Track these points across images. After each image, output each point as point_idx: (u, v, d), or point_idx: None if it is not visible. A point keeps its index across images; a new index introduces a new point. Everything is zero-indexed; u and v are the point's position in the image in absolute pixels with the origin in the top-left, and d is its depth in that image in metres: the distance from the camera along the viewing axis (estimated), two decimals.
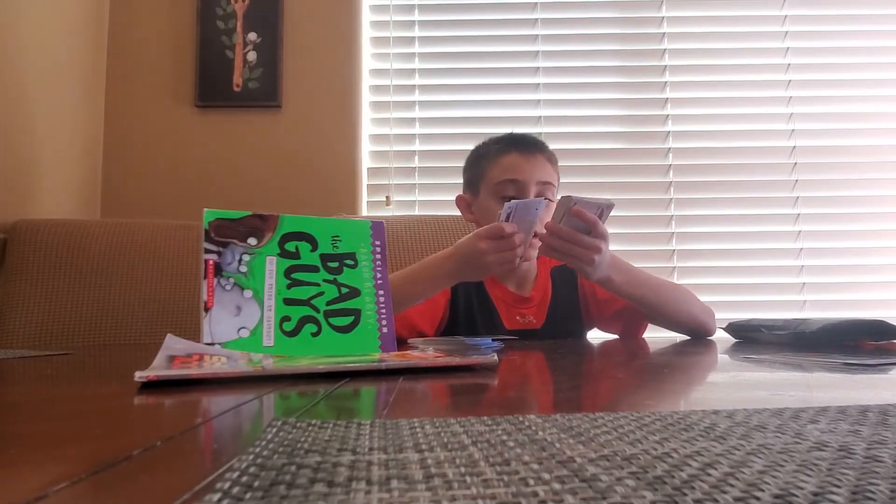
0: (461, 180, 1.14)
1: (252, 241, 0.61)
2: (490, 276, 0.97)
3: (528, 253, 1.01)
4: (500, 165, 1.03)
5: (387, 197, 1.78)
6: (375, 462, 0.19)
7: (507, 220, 0.83)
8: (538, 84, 1.85)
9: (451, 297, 1.05)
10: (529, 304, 1.08)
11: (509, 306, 1.07)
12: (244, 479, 0.17)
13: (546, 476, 0.17)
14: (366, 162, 1.82)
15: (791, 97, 1.83)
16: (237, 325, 0.58)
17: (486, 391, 0.41)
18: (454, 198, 1.14)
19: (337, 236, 0.66)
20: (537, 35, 1.86)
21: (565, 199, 0.82)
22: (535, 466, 0.18)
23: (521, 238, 0.83)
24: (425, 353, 0.59)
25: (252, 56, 1.77)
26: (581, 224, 0.83)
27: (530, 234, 0.86)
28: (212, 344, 0.56)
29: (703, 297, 1.04)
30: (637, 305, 0.99)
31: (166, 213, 1.68)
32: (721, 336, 0.99)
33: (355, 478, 0.17)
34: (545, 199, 0.88)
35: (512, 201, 0.84)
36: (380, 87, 1.84)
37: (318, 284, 0.63)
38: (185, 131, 1.77)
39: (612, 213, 0.86)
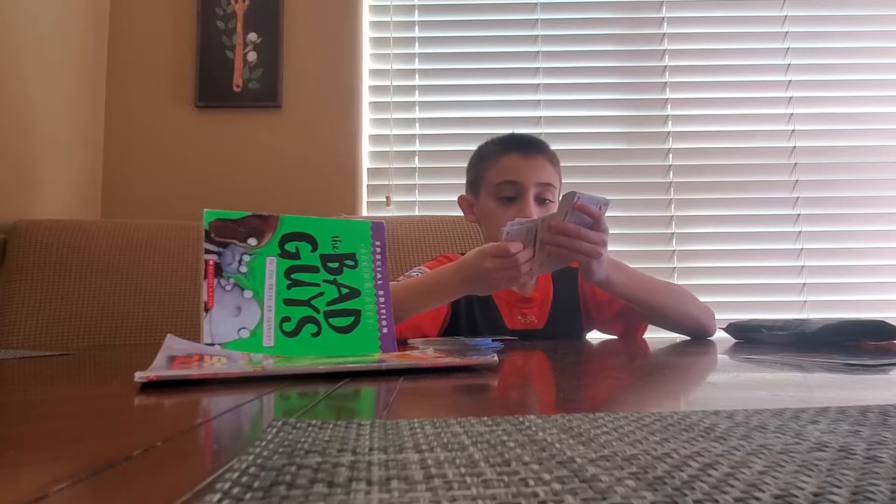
0: (461, 181, 1.14)
1: (252, 241, 0.61)
2: (495, 291, 0.96)
3: (528, 283, 1.01)
4: (500, 166, 1.02)
5: (387, 197, 1.78)
6: (375, 462, 0.19)
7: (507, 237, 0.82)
8: (538, 84, 1.85)
9: None
10: (531, 304, 1.08)
11: (511, 306, 1.07)
12: (244, 479, 0.17)
13: (546, 476, 0.17)
14: (366, 162, 1.82)
15: (791, 97, 1.83)
16: (237, 326, 0.58)
17: (486, 391, 0.41)
18: (454, 198, 1.14)
19: (337, 237, 0.66)
20: (537, 35, 1.86)
21: (569, 195, 0.81)
22: (536, 467, 0.18)
23: (526, 255, 0.82)
24: (425, 353, 0.59)
25: (252, 56, 1.77)
26: (585, 220, 0.82)
27: (539, 251, 0.85)
28: (212, 344, 0.56)
29: (704, 298, 1.04)
30: (636, 307, 0.98)
31: (166, 213, 1.68)
32: (721, 336, 0.99)
33: (355, 478, 0.17)
34: (546, 217, 0.86)
35: (509, 223, 0.83)
36: (380, 88, 1.84)
37: (318, 285, 0.63)
38: (185, 131, 1.77)
39: (611, 213, 0.85)
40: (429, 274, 0.93)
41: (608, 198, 0.84)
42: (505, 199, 1.01)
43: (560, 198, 0.88)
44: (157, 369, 0.43)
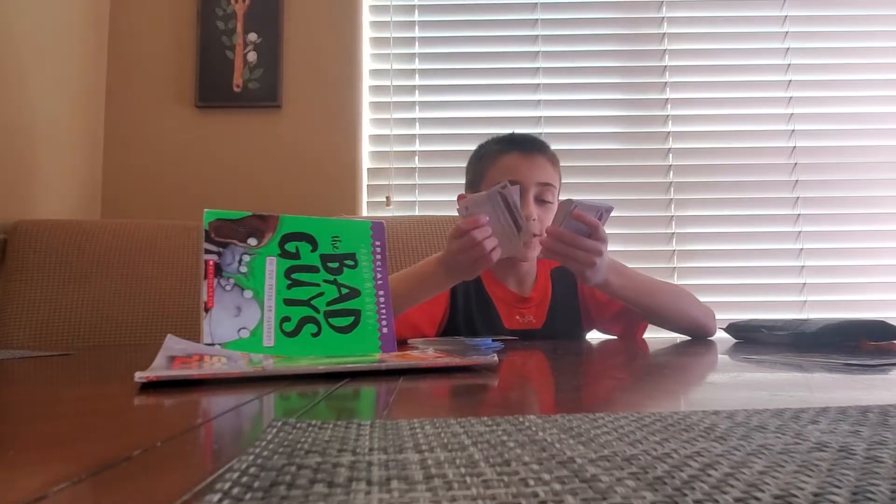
0: (461, 181, 1.14)
1: (252, 241, 0.61)
2: (482, 273, 0.94)
3: (527, 253, 1.01)
4: (500, 166, 1.03)
5: (387, 197, 1.78)
6: (375, 462, 0.19)
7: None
8: (538, 84, 1.85)
9: (451, 296, 1.05)
10: (529, 303, 1.08)
11: (509, 306, 1.07)
12: (244, 479, 0.17)
13: (546, 477, 0.17)
14: (366, 162, 1.82)
15: (791, 97, 1.83)
16: (237, 326, 0.58)
17: (486, 391, 0.41)
18: (454, 198, 1.14)
19: (337, 237, 0.66)
20: (537, 35, 1.86)
21: (566, 202, 0.82)
22: (536, 467, 0.18)
23: (483, 232, 0.81)
24: (425, 353, 0.59)
25: (252, 56, 1.77)
26: (582, 227, 0.83)
27: (508, 226, 0.83)
28: (212, 344, 0.56)
29: (704, 298, 1.04)
30: (635, 308, 0.98)
31: (166, 213, 1.68)
32: (721, 336, 0.99)
33: (355, 478, 0.17)
34: (505, 184, 0.82)
35: (469, 197, 0.84)
36: (380, 88, 1.84)
37: (318, 285, 0.63)
38: (185, 131, 1.77)
39: (611, 214, 0.86)
40: (417, 265, 0.94)
41: (611, 203, 0.84)
42: None
43: (559, 200, 0.89)
44: (157, 369, 0.43)
